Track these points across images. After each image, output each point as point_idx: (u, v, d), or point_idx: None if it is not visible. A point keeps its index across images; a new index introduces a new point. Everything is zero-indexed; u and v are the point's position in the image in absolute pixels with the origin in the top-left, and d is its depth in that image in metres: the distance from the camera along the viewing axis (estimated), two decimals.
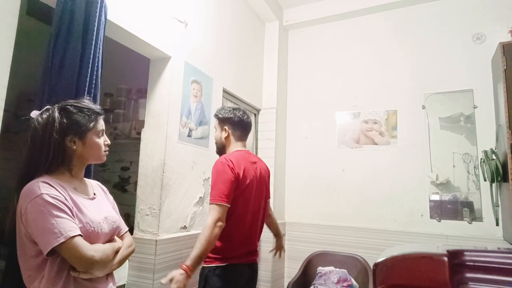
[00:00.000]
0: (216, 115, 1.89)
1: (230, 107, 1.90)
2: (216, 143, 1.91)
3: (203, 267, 1.68)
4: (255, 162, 1.85)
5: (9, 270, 1.13)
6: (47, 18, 1.41)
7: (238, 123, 1.84)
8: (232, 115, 1.83)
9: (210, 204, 1.61)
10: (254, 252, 1.81)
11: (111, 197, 1.26)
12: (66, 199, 0.99)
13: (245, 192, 1.72)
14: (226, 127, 1.84)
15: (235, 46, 2.79)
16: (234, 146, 1.83)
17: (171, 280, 1.47)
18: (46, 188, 0.96)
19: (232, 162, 1.67)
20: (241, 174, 1.69)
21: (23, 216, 0.95)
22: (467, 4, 2.78)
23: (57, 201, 0.96)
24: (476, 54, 2.68)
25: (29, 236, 0.96)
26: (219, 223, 1.56)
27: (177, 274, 1.48)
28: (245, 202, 1.72)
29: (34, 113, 1.07)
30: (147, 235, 1.88)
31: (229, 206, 1.61)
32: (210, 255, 1.66)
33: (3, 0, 1.20)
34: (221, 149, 1.88)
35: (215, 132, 1.91)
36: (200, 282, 1.67)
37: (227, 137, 1.84)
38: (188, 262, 1.51)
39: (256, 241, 1.83)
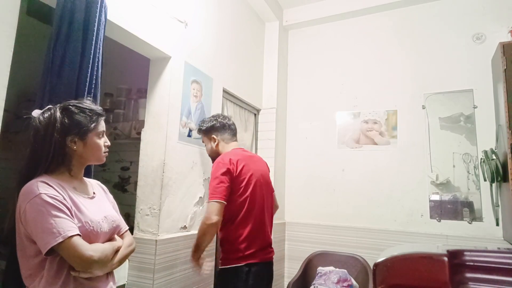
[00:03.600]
0: (199, 130, 1.95)
1: (208, 117, 1.96)
2: (210, 155, 1.96)
3: (221, 269, 1.70)
4: (252, 157, 1.89)
5: (10, 270, 1.13)
6: (47, 18, 1.41)
7: (223, 127, 1.89)
8: (214, 122, 1.89)
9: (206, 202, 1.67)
10: (268, 248, 1.82)
11: (111, 196, 1.27)
12: (64, 199, 0.99)
13: (247, 186, 1.74)
14: (213, 135, 1.89)
15: (235, 46, 2.79)
16: (228, 148, 1.87)
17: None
18: (44, 188, 0.96)
19: (228, 160, 1.71)
20: (237, 170, 1.72)
21: (22, 215, 0.95)
22: (467, 4, 2.78)
23: (56, 201, 0.96)
24: (476, 54, 2.68)
25: (28, 236, 0.96)
26: (209, 222, 1.61)
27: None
28: (251, 196, 1.74)
29: (36, 112, 1.07)
30: (147, 235, 1.88)
31: (221, 202, 1.64)
32: (227, 256, 1.69)
33: (3, 0, 1.20)
34: (216, 158, 1.89)
35: (205, 146, 1.96)
36: (218, 283, 1.71)
37: (217, 144, 1.88)
38: (191, 254, 1.73)
39: (269, 234, 1.84)
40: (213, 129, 1.89)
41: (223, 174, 1.66)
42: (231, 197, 1.69)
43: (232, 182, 1.69)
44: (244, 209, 1.69)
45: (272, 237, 2.04)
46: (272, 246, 1.90)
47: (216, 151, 1.89)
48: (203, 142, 1.97)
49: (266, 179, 1.89)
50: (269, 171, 2.00)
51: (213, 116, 1.94)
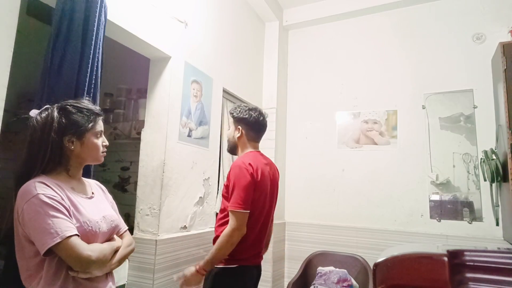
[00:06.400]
0: (231, 113, 1.84)
1: (246, 106, 1.83)
2: (228, 140, 1.88)
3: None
4: (267, 164, 1.82)
5: (8, 270, 1.13)
6: (47, 18, 1.41)
7: (253, 125, 1.80)
8: (247, 116, 1.78)
9: (229, 210, 1.61)
10: (260, 254, 1.80)
11: (110, 196, 1.26)
12: (62, 199, 0.99)
13: (262, 195, 1.70)
14: (240, 127, 1.79)
15: (235, 46, 2.79)
16: (247, 147, 1.80)
17: (184, 278, 1.59)
18: (42, 188, 0.96)
19: (251, 166, 1.65)
20: (259, 177, 1.67)
21: (20, 216, 0.95)
22: (467, 4, 2.78)
23: (54, 201, 0.95)
24: (476, 54, 2.68)
25: (27, 237, 0.96)
26: (239, 232, 1.57)
27: (188, 273, 1.60)
28: (261, 205, 1.71)
29: (33, 112, 1.07)
30: (147, 235, 1.88)
31: (248, 212, 1.60)
32: None
33: (3, 0, 1.21)
34: (232, 148, 1.86)
35: (228, 129, 1.87)
36: (207, 281, 1.65)
37: (240, 137, 1.80)
38: (202, 263, 1.59)
39: (263, 243, 1.81)
40: (243, 121, 1.78)
41: (250, 183, 1.62)
42: None
43: (253, 190, 1.66)
44: (252, 218, 1.66)
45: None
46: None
47: (235, 142, 1.82)
48: (228, 124, 1.88)
49: (275, 187, 1.85)
50: (278, 177, 1.93)
51: (249, 109, 1.80)
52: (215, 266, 1.63)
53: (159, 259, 1.82)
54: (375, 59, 3.07)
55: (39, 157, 1.02)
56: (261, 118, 1.83)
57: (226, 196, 1.69)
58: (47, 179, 1.00)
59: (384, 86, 3.00)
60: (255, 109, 1.83)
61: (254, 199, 1.66)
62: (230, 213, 1.60)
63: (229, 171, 1.71)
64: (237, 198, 1.59)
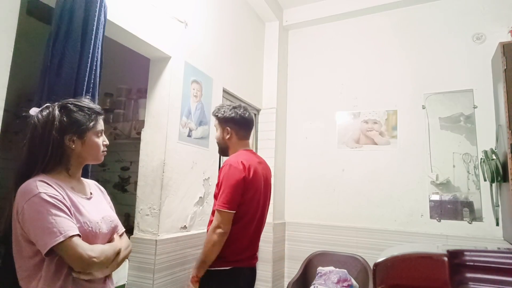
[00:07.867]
0: (215, 115, 1.79)
1: (229, 105, 1.79)
2: (218, 143, 1.84)
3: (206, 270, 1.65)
4: (260, 162, 1.80)
5: (5, 270, 1.12)
6: (47, 18, 1.41)
7: (241, 122, 1.76)
8: (233, 114, 1.74)
9: (216, 209, 1.60)
10: (255, 256, 1.78)
11: (108, 197, 1.26)
12: (64, 198, 0.98)
13: (256, 194, 1.68)
14: (228, 127, 1.75)
15: (235, 46, 2.79)
16: (238, 146, 1.76)
17: None
18: (44, 187, 0.95)
19: (242, 164, 1.62)
20: (251, 175, 1.64)
21: (19, 215, 0.94)
22: (467, 4, 2.78)
23: (56, 200, 0.95)
24: (476, 54, 2.68)
25: (26, 236, 0.94)
26: (219, 230, 1.55)
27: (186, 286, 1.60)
28: (255, 204, 1.69)
29: (34, 110, 1.06)
30: (147, 235, 1.88)
31: (233, 212, 1.58)
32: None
33: (3, 0, 1.20)
34: (224, 150, 1.82)
35: (216, 132, 1.83)
36: (202, 284, 1.63)
37: (230, 138, 1.76)
38: (193, 271, 1.60)
39: (257, 244, 1.80)
40: (230, 121, 1.74)
41: (239, 182, 1.59)
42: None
43: (243, 190, 1.63)
44: (245, 219, 1.65)
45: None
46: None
47: (226, 143, 1.78)
48: (214, 126, 1.84)
49: (268, 187, 1.83)
50: (271, 177, 1.90)
51: (233, 107, 1.76)
52: (209, 268, 1.61)
53: (159, 259, 1.82)
54: (375, 59, 3.07)
55: (39, 156, 1.01)
56: (247, 114, 1.80)
57: (217, 196, 1.67)
58: (47, 178, 1.00)
59: (384, 86, 3.00)
60: (239, 106, 1.80)
61: (247, 199, 1.64)
62: (215, 212, 1.59)
63: (220, 169, 1.68)
64: (223, 198, 1.57)
